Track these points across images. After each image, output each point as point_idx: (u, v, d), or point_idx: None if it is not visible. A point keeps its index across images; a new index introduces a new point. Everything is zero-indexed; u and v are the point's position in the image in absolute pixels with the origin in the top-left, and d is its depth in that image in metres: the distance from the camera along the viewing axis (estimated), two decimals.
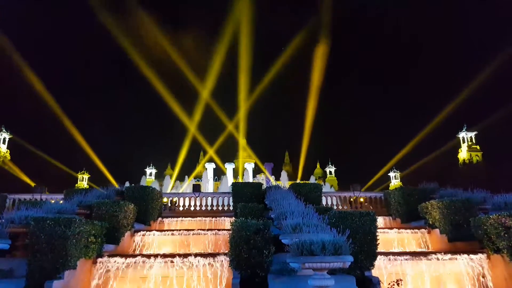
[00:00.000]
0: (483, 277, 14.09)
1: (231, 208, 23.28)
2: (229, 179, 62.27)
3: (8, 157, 67.07)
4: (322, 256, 9.02)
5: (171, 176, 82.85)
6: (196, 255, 13.93)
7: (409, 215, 20.64)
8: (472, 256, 14.39)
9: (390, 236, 17.96)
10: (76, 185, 72.58)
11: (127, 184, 28.53)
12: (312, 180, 69.75)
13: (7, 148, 68.68)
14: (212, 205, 24.41)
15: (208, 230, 18.08)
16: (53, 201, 20.70)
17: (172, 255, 13.91)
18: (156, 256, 13.95)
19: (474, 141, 78.42)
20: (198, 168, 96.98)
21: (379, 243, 13.72)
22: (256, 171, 77.39)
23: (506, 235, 13.27)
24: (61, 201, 20.10)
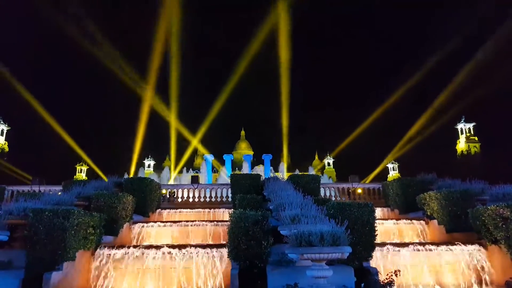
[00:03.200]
0: (481, 267, 14.15)
1: (229, 199, 23.28)
2: (228, 170, 62.26)
3: (6, 148, 66.87)
4: (321, 247, 9.04)
5: (169, 167, 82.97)
6: (194, 246, 13.98)
7: (407, 206, 20.67)
8: (470, 247, 14.46)
9: (388, 227, 18.00)
10: (74, 176, 72.59)
11: (125, 175, 28.54)
12: (311, 171, 69.83)
13: (5, 139, 68.43)
14: (210, 197, 24.41)
15: (206, 221, 18.11)
16: (51, 193, 20.68)
17: (171, 246, 13.93)
18: (154, 247, 13.97)
19: (472, 132, 78.42)
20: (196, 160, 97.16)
21: (377, 234, 13.75)
22: (255, 162, 77.52)
23: (503, 226, 13.32)
24: (60, 193, 20.07)
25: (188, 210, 21.43)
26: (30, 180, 27.39)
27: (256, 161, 79.15)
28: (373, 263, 13.31)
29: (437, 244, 14.87)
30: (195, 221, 18.14)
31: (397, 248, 14.35)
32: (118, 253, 13.60)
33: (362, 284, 11.96)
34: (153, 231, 17.43)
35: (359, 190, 26.10)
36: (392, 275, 12.21)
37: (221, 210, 21.09)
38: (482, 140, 76.17)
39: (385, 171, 79.00)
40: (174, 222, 18.07)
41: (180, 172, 79.82)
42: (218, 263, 13.47)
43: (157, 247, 13.90)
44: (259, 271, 12.19)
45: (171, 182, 65.33)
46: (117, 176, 23.59)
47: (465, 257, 14.29)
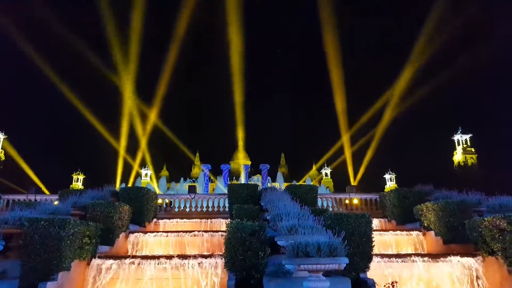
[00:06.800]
0: (478, 279, 14.12)
1: (226, 209, 23.20)
2: (225, 180, 62.21)
3: (3, 157, 66.55)
4: (318, 257, 9.01)
5: (166, 177, 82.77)
6: (191, 256, 13.89)
7: (404, 217, 20.66)
8: (467, 258, 14.43)
9: (385, 238, 17.95)
10: (71, 186, 72.25)
11: (122, 185, 28.41)
12: (308, 181, 69.82)
13: (1, 148, 68.15)
14: (207, 207, 24.35)
15: (203, 231, 18.02)
16: (47, 202, 20.57)
17: (167, 257, 13.84)
18: (150, 257, 13.89)
19: (469, 143, 78.69)
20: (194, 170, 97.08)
21: (374, 245, 13.72)
22: (252, 172, 77.47)
23: (500, 237, 13.31)
24: (56, 202, 19.97)
25: (185, 220, 21.36)
26: (27, 188, 27.32)
27: (254, 171, 79.07)
28: (370, 274, 13.25)
29: (434, 255, 14.84)
30: (192, 231, 18.03)
31: (394, 260, 14.31)
32: (114, 263, 13.49)
33: None
34: (149, 241, 17.33)
35: (356, 201, 26.09)
36: (389, 287, 12.18)
37: (218, 220, 21.02)
38: (479, 151, 76.40)
39: (383, 182, 78.93)
40: (171, 232, 17.97)
41: (177, 181, 79.65)
42: (215, 274, 13.38)
43: (153, 258, 13.82)
44: (256, 282, 12.14)
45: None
46: (113, 185, 23.54)
47: (462, 268, 14.26)
